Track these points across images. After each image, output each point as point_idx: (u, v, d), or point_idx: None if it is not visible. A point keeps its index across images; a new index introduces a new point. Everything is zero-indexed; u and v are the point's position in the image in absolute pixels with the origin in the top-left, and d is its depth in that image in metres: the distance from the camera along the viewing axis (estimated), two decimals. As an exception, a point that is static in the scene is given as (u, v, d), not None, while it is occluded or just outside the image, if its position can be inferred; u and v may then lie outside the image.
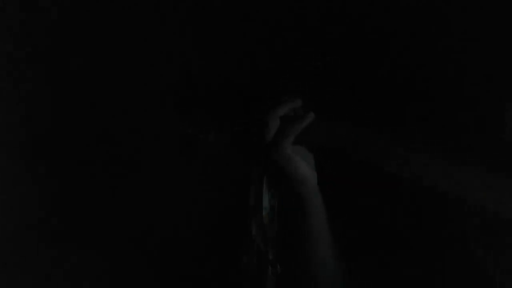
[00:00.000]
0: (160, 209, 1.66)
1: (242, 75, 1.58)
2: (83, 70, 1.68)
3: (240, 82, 1.53)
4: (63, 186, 1.68)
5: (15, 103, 1.69)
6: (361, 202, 1.46)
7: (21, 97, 1.69)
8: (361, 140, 1.13)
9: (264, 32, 1.61)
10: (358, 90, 1.52)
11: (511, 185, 1.09)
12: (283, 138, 1.25)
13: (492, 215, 1.12)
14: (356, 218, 1.44)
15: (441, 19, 1.50)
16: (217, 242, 1.59)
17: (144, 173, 1.66)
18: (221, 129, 1.19)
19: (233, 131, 1.20)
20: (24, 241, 1.68)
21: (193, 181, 1.63)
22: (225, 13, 1.63)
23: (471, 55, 1.47)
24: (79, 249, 1.67)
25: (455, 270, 1.31)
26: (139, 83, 1.65)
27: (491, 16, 1.45)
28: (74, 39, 1.68)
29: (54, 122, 1.68)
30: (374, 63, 1.53)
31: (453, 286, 1.31)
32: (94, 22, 1.67)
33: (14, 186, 1.68)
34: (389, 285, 1.42)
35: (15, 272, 1.68)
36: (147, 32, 1.65)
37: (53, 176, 1.68)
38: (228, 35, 1.62)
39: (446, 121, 1.46)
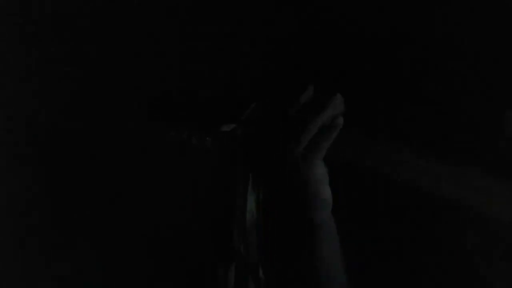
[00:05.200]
0: (158, 211, 1.66)
1: (235, 78, 1.58)
2: (82, 71, 1.68)
3: (231, 86, 1.53)
4: (62, 187, 1.68)
5: (15, 103, 1.69)
6: (356, 206, 1.46)
7: (21, 98, 1.69)
8: (356, 143, 1.11)
9: (262, 35, 1.61)
10: (353, 92, 1.51)
11: (509, 188, 1.08)
12: (316, 153, 1.03)
13: (490, 217, 1.12)
14: (352, 221, 1.44)
15: (441, 21, 1.50)
16: (204, 246, 1.58)
17: (143, 175, 1.66)
18: (207, 133, 1.14)
19: (225, 133, 1.13)
20: (24, 242, 1.68)
21: (182, 184, 1.63)
22: (221, 16, 1.63)
23: (470, 58, 1.47)
24: (78, 249, 1.67)
25: (453, 272, 1.31)
26: (137, 87, 1.65)
27: (491, 16, 1.45)
28: (72, 41, 1.68)
29: (54, 123, 1.68)
30: (371, 65, 1.53)
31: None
32: (91, 27, 1.68)
33: (14, 186, 1.68)
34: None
35: (15, 272, 1.68)
36: (142, 36, 1.66)
37: (52, 177, 1.68)
38: (223, 38, 1.62)
39: (444, 125, 1.46)
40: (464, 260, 1.30)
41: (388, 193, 1.41)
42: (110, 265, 1.67)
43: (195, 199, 1.63)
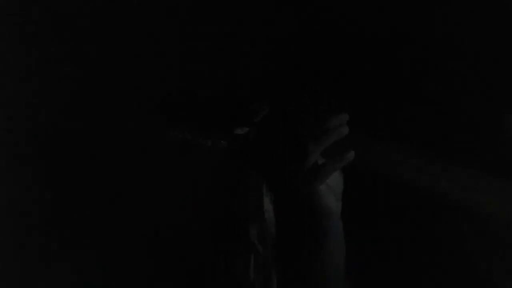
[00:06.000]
0: (158, 211, 1.66)
1: (241, 80, 1.58)
2: (82, 71, 1.68)
3: (238, 88, 1.53)
4: (62, 187, 1.68)
5: (15, 103, 1.69)
6: (356, 206, 1.45)
7: (21, 98, 1.69)
8: (357, 143, 1.11)
9: (262, 35, 1.61)
10: (353, 92, 1.51)
11: (509, 188, 1.08)
12: (322, 176, 1.08)
13: (490, 217, 1.12)
14: (352, 221, 1.43)
15: (441, 21, 1.50)
16: (215, 247, 1.58)
17: (143, 175, 1.66)
18: (220, 135, 1.14)
19: (235, 137, 1.12)
20: (24, 242, 1.68)
21: (191, 184, 1.63)
22: (221, 16, 1.63)
23: (470, 58, 1.47)
24: (79, 249, 1.67)
25: (454, 272, 1.31)
26: (137, 87, 1.65)
27: (491, 16, 1.45)
28: (72, 41, 1.68)
29: (54, 123, 1.68)
30: (371, 65, 1.52)
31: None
32: (92, 25, 1.67)
33: (14, 186, 1.68)
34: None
35: (15, 272, 1.68)
36: (142, 36, 1.66)
37: (52, 177, 1.68)
38: (223, 38, 1.62)
39: (444, 125, 1.46)
40: (464, 260, 1.30)
41: (388, 193, 1.41)
42: (110, 265, 1.67)
43: (195, 199, 1.63)
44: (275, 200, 1.14)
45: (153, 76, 1.64)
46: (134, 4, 1.66)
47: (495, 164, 1.25)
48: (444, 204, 1.22)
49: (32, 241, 1.68)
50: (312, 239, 1.10)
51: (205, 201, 1.61)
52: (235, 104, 1.14)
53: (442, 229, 1.38)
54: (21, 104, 1.69)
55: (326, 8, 1.56)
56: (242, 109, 1.12)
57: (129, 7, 1.66)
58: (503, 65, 1.42)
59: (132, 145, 1.66)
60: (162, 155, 1.63)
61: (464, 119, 1.44)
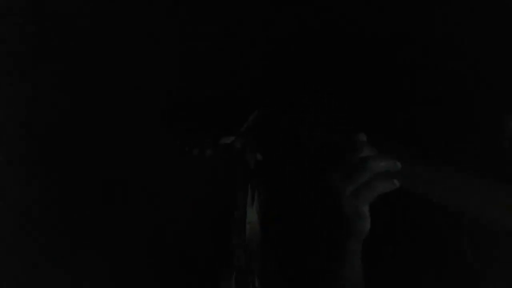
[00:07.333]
0: (158, 212, 1.66)
1: (238, 85, 1.58)
2: (82, 71, 1.68)
3: (231, 86, 1.53)
4: (62, 187, 1.68)
5: (15, 104, 1.69)
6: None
7: (21, 98, 1.69)
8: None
9: (262, 35, 1.61)
10: (353, 93, 1.51)
11: (509, 194, 1.08)
12: (369, 195, 1.02)
13: (489, 224, 1.11)
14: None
15: (441, 21, 1.50)
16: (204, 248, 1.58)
17: (142, 175, 1.66)
18: (206, 144, 1.13)
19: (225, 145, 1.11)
20: (24, 242, 1.68)
21: (182, 186, 1.63)
22: (221, 16, 1.63)
23: (470, 58, 1.47)
24: (79, 249, 1.67)
25: (452, 274, 1.31)
26: (137, 87, 1.65)
27: (491, 16, 1.45)
28: (72, 41, 1.68)
29: (53, 123, 1.68)
30: (371, 65, 1.52)
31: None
32: (92, 25, 1.67)
33: (14, 186, 1.68)
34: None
35: (15, 273, 1.68)
36: (142, 36, 1.65)
37: (52, 177, 1.68)
38: (223, 38, 1.62)
39: (444, 124, 1.46)
40: (464, 260, 1.29)
41: (387, 193, 1.41)
42: (110, 266, 1.67)
43: (195, 202, 1.63)
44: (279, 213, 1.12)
45: (153, 76, 1.64)
46: (134, 4, 1.66)
47: (495, 164, 1.25)
48: (442, 206, 1.22)
49: (32, 241, 1.68)
50: (338, 256, 1.06)
51: (204, 203, 1.61)
52: (222, 113, 1.14)
53: (442, 229, 1.38)
54: (20, 104, 1.69)
55: (326, 8, 1.56)
56: (229, 118, 1.12)
57: (129, 7, 1.66)
58: (503, 65, 1.42)
59: (132, 145, 1.66)
60: (162, 156, 1.63)
61: (464, 119, 1.44)
